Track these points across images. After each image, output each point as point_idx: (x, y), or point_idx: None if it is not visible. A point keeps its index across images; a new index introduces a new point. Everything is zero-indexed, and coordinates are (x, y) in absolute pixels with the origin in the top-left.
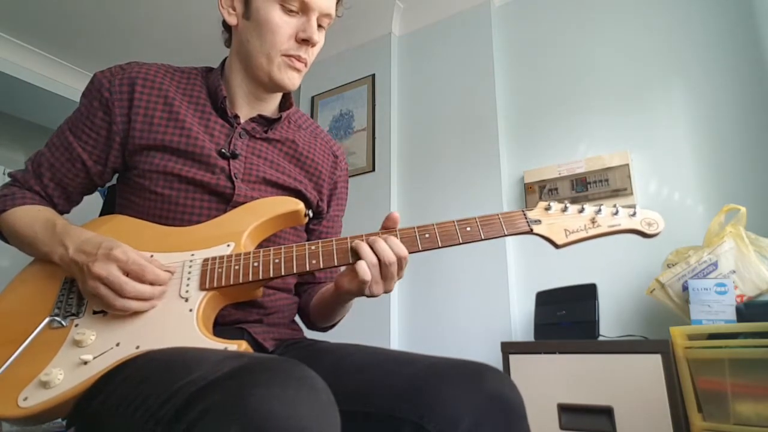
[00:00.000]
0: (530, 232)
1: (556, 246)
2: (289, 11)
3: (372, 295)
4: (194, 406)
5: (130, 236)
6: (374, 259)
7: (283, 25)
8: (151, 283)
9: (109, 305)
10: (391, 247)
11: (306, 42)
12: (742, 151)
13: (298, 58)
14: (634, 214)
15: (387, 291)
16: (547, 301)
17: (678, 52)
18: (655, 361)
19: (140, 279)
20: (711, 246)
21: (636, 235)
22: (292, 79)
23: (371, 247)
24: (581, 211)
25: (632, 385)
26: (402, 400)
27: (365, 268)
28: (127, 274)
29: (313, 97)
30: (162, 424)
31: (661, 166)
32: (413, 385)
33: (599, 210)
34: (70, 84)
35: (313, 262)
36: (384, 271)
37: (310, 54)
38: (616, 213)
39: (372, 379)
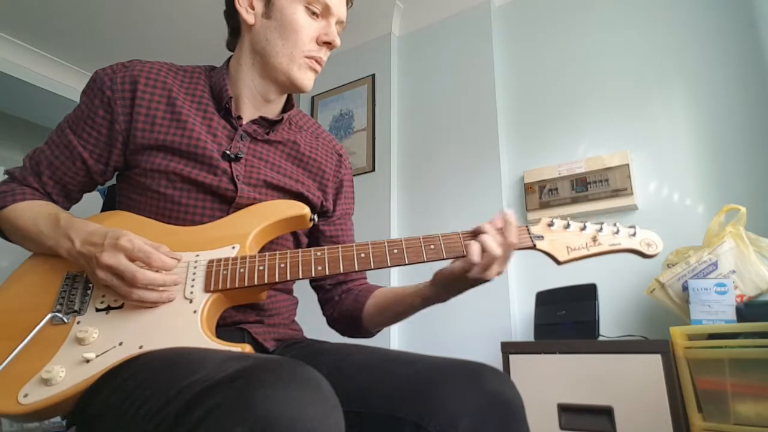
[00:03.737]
0: (533, 247)
1: (558, 262)
2: (312, 13)
3: (487, 279)
4: (198, 407)
5: (133, 232)
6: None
7: (307, 26)
8: (158, 270)
9: (125, 296)
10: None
11: (328, 44)
12: (742, 151)
13: (318, 60)
14: (634, 234)
15: (499, 272)
16: (547, 301)
17: (678, 52)
18: (655, 361)
19: (147, 266)
20: (711, 246)
21: (635, 255)
22: (309, 80)
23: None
24: (583, 228)
25: (632, 385)
26: (402, 400)
27: (485, 245)
28: (134, 261)
29: (313, 97)
30: (165, 424)
31: (661, 166)
32: (413, 385)
33: (601, 228)
34: (70, 84)
35: (319, 268)
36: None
37: (326, 57)
38: (617, 232)
39: (372, 379)
